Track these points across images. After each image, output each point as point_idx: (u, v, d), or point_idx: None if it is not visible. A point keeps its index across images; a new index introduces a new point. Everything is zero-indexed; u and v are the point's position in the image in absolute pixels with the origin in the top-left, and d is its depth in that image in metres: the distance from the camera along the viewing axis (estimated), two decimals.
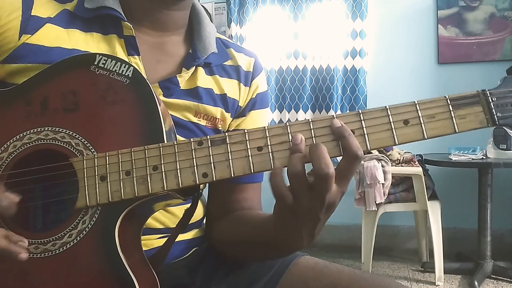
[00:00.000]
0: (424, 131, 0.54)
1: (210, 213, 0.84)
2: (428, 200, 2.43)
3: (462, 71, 3.01)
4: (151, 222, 0.73)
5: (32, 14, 0.68)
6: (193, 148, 0.56)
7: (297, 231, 0.58)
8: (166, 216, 0.75)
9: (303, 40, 3.19)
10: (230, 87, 0.81)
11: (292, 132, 0.55)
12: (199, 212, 0.82)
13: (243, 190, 0.82)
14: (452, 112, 0.54)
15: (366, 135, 0.54)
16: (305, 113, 3.20)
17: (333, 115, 0.55)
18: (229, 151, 0.55)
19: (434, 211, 2.45)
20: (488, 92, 0.54)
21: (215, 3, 3.39)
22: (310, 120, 0.55)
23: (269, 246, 0.66)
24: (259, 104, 0.85)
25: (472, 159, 2.48)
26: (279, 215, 0.59)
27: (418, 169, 2.42)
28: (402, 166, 2.52)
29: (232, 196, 0.81)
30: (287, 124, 0.55)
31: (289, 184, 0.54)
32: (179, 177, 0.55)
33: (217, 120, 0.79)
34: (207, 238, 0.84)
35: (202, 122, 0.77)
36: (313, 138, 0.55)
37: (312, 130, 0.55)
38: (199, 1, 0.84)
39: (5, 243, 0.53)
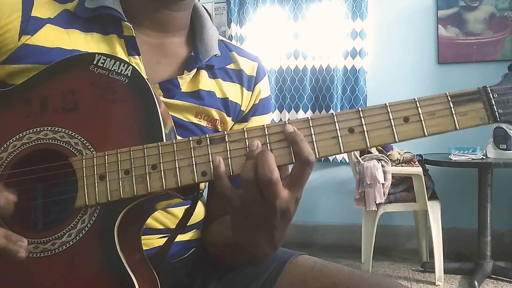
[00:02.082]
0: (425, 128, 0.53)
1: (208, 215, 0.84)
2: (428, 200, 2.43)
3: (462, 71, 3.02)
4: (151, 222, 0.72)
5: (32, 15, 0.68)
6: (192, 146, 0.56)
7: (254, 238, 0.59)
8: (167, 217, 0.75)
9: (303, 40, 3.20)
10: (232, 91, 0.80)
11: (287, 131, 0.55)
12: (199, 213, 0.81)
13: None
14: (452, 109, 0.54)
15: (366, 132, 0.54)
16: (305, 113, 3.21)
17: (285, 121, 0.55)
18: (228, 149, 0.55)
19: (434, 211, 2.45)
20: (489, 88, 0.54)
21: (215, 3, 3.39)
22: (309, 118, 0.55)
23: (240, 251, 0.66)
24: (261, 110, 0.85)
25: (472, 159, 2.49)
26: (234, 223, 0.60)
27: (418, 169, 2.43)
28: (402, 166, 2.52)
29: None
30: (286, 122, 0.55)
31: (241, 190, 0.54)
32: (178, 176, 0.55)
33: (217, 121, 0.78)
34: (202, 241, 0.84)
35: (203, 123, 0.77)
36: (313, 141, 0.55)
37: (311, 128, 0.55)
38: (199, 1, 0.84)
39: (4, 242, 0.53)
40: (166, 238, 0.70)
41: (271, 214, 0.54)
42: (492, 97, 0.53)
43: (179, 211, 0.74)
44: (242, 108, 0.82)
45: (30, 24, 0.67)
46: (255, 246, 0.61)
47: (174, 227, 0.72)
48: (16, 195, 0.56)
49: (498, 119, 0.53)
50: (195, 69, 0.75)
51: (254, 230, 0.58)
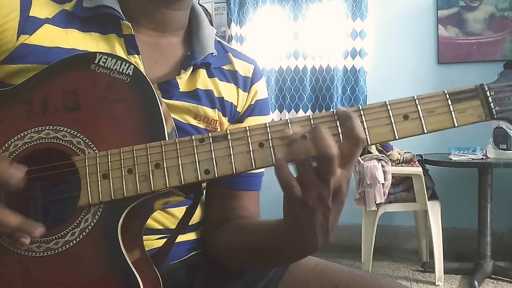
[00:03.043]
0: (424, 125, 0.54)
1: (208, 221, 0.83)
2: (428, 200, 2.43)
3: (462, 71, 3.02)
4: (150, 222, 0.72)
5: (30, 14, 0.68)
6: (194, 144, 0.56)
7: (310, 227, 0.57)
8: (166, 217, 0.75)
9: (303, 40, 3.20)
10: (227, 91, 0.80)
11: (293, 127, 0.55)
12: (198, 214, 0.81)
13: (239, 198, 0.80)
14: (451, 106, 0.55)
15: (366, 130, 0.55)
16: (305, 113, 3.21)
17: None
18: (230, 147, 0.56)
19: (434, 211, 2.45)
20: (486, 86, 0.55)
21: (215, 3, 3.39)
22: (310, 117, 0.55)
23: (280, 251, 0.65)
24: (258, 111, 0.84)
25: (472, 159, 2.49)
26: (289, 212, 0.58)
27: (418, 169, 2.43)
28: (402, 166, 2.52)
29: (227, 203, 0.80)
30: (288, 120, 0.55)
31: (296, 175, 0.54)
32: (181, 174, 0.55)
33: (216, 122, 0.78)
34: (205, 246, 0.82)
35: (202, 125, 0.76)
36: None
37: (312, 126, 0.55)
38: (198, 1, 0.84)
39: (19, 220, 0.54)
40: (165, 239, 0.70)
41: (326, 193, 0.53)
42: (489, 95, 0.54)
43: (179, 211, 0.74)
44: (238, 109, 0.82)
45: (28, 24, 0.67)
46: (309, 237, 0.59)
47: (173, 227, 0.72)
48: (24, 171, 0.56)
49: (495, 116, 0.54)
50: (191, 67, 0.75)
51: (310, 217, 0.56)
